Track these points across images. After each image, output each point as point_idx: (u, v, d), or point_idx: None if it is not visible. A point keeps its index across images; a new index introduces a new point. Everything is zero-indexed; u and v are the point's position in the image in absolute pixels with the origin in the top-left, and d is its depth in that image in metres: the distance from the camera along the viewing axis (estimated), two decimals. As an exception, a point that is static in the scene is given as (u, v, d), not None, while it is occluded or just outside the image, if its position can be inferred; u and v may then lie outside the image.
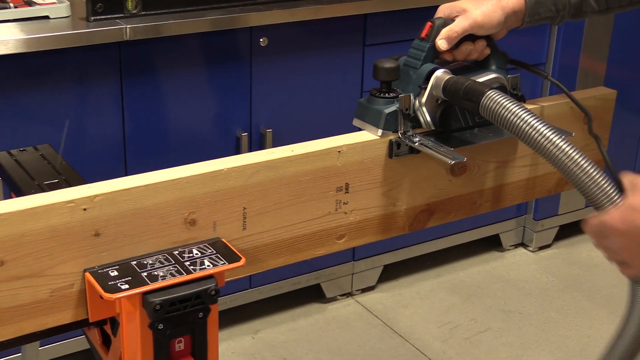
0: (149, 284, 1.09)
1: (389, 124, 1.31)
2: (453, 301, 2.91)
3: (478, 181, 1.46)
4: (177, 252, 1.16)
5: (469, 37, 1.37)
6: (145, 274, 1.11)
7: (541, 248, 3.24)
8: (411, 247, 2.96)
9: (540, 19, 1.39)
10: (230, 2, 2.29)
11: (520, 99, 1.40)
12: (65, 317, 1.14)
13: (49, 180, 1.50)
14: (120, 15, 2.14)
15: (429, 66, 1.33)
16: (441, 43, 1.33)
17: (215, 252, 1.17)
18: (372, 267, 2.89)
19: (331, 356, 2.60)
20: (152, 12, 2.18)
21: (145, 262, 1.13)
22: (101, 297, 1.09)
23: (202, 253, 1.16)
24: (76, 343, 2.34)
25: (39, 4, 2.13)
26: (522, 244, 3.26)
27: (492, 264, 3.15)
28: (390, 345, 2.66)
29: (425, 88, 1.32)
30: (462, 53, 1.38)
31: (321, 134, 1.32)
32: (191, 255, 1.16)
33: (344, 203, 1.32)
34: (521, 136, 1.16)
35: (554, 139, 1.12)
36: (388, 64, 1.31)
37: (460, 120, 1.37)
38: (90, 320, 1.15)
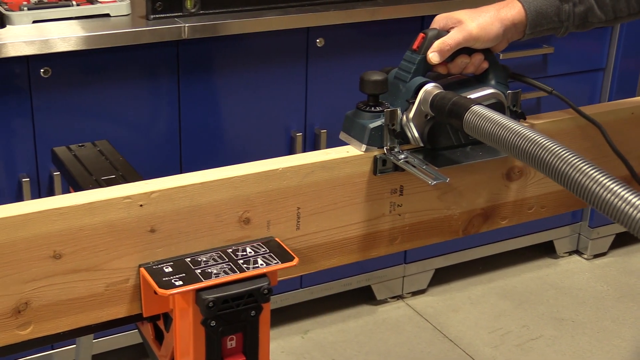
0: (202, 281, 1.09)
1: (373, 139, 1.25)
2: (504, 307, 2.88)
3: (534, 186, 1.44)
4: (230, 250, 1.17)
5: (465, 50, 1.30)
6: (199, 271, 1.12)
7: (596, 256, 3.19)
8: (463, 252, 2.94)
9: (542, 30, 1.32)
10: (288, 3, 2.30)
11: (519, 116, 1.34)
12: (120, 311, 1.15)
13: (107, 175, 1.52)
14: (179, 14, 2.17)
15: (418, 80, 1.26)
16: (432, 56, 1.27)
17: (268, 251, 1.17)
18: (423, 270, 2.88)
19: (380, 358, 2.59)
20: (211, 12, 2.20)
21: (199, 259, 1.14)
22: (155, 292, 1.10)
23: (255, 252, 1.17)
24: (129, 337, 2.38)
25: (100, 2, 2.16)
26: (577, 252, 3.22)
27: (545, 270, 3.11)
28: (440, 350, 2.64)
29: (414, 103, 1.25)
30: (457, 66, 1.31)
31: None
32: (245, 253, 1.16)
33: (398, 205, 1.32)
34: (514, 150, 1.06)
35: (556, 150, 1.00)
36: (374, 77, 1.24)
37: (451, 137, 1.30)
38: (144, 315, 1.16)
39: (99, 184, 1.48)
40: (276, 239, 1.21)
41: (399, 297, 2.88)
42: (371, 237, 1.31)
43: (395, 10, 2.40)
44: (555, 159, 0.99)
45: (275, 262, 1.15)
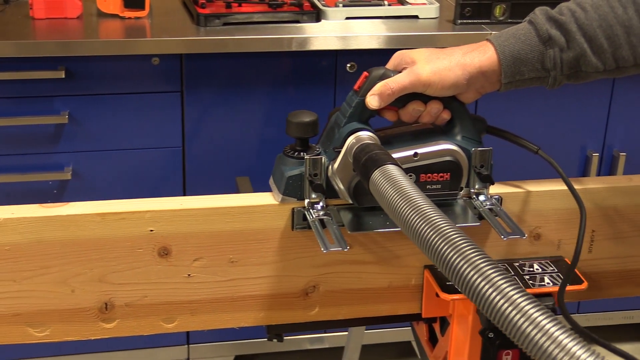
0: (486, 291, 1.08)
1: (291, 190, 1.08)
2: None
3: None
4: (517, 264, 1.15)
5: (421, 96, 1.10)
6: (483, 280, 1.10)
7: None
8: None
9: (524, 80, 1.09)
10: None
11: (484, 179, 1.12)
12: (400, 308, 1.17)
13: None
14: (487, 20, 2.16)
15: (352, 126, 1.08)
16: (370, 99, 1.07)
17: (556, 270, 1.14)
18: None
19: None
20: (518, 20, 2.16)
21: (485, 269, 1.13)
22: (437, 295, 1.11)
23: (543, 269, 1.14)
24: (398, 333, 2.40)
25: (410, 4, 2.20)
26: None
27: None
28: None
29: (340, 152, 1.07)
30: (409, 114, 1.11)
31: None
32: (532, 269, 1.14)
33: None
34: (408, 229, 0.86)
35: (453, 237, 0.82)
36: (299, 118, 1.08)
37: None
38: (423, 316, 1.18)
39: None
40: (566, 259, 1.17)
41: (685, 340, 2.69)
42: (668, 271, 1.23)
43: None
44: (461, 259, 0.81)
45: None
